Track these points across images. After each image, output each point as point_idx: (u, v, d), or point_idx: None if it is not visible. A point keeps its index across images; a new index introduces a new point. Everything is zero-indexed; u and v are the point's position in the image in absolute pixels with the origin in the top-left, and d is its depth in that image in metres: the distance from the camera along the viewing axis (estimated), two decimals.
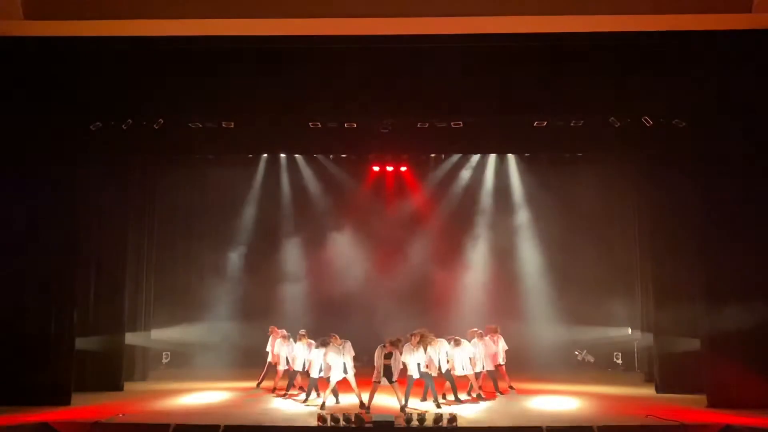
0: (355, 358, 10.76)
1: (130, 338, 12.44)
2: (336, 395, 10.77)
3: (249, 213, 14.90)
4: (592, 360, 14.49)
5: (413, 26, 9.92)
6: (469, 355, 10.98)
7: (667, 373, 11.45)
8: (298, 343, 11.31)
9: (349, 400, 10.68)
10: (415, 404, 10.43)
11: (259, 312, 13.99)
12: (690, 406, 10.30)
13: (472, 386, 11.19)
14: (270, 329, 12.10)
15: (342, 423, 9.15)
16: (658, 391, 11.52)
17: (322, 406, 10.31)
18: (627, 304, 13.68)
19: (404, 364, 10.42)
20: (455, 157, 14.79)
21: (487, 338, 11.44)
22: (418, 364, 10.45)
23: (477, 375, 11.15)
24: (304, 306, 14.39)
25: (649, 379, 12.30)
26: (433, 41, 10.11)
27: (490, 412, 10.30)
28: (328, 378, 10.50)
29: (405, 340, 10.53)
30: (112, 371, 11.87)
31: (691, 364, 10.88)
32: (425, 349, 10.57)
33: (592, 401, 10.95)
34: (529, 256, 14.66)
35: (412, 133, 11.86)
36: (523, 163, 14.75)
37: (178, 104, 10.87)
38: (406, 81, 10.50)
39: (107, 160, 12.03)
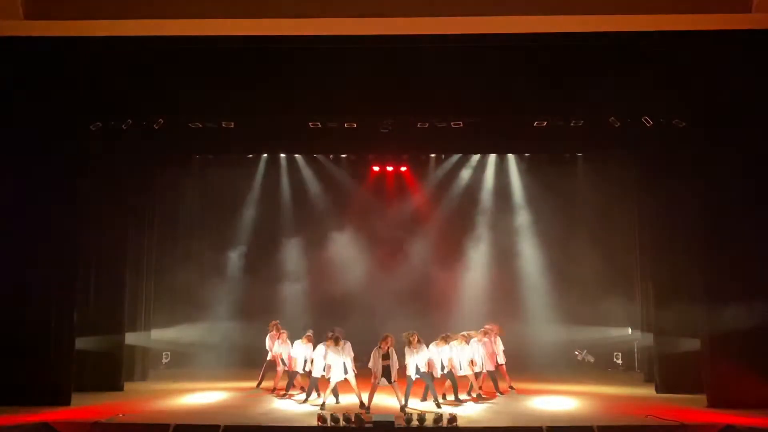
0: (355, 359, 10.76)
1: (130, 338, 12.44)
2: (336, 395, 10.77)
3: (249, 213, 14.90)
4: (592, 360, 14.49)
5: (413, 26, 9.92)
6: (468, 356, 10.98)
7: (667, 373, 11.45)
8: (298, 342, 11.31)
9: (349, 400, 10.68)
10: (415, 404, 10.44)
11: (259, 312, 13.96)
12: (690, 406, 10.30)
13: (472, 386, 11.19)
14: (270, 324, 12.08)
15: (342, 423, 9.16)
16: (658, 391, 11.52)
17: (322, 406, 10.30)
18: (627, 304, 13.67)
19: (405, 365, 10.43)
20: (455, 157, 14.81)
21: (486, 339, 11.42)
22: (417, 366, 10.45)
23: (477, 375, 11.16)
24: (304, 306, 14.39)
25: (649, 379, 12.30)
26: (433, 41, 10.11)
27: (490, 412, 10.31)
28: (329, 378, 10.50)
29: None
30: (112, 371, 11.86)
31: (691, 364, 10.89)
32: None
33: (592, 401, 10.95)
34: (529, 256, 14.65)
35: (412, 133, 11.87)
36: (523, 163, 14.76)
37: (178, 104, 10.87)
38: (406, 81, 10.49)
39: (107, 160, 12.02)
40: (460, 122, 11.48)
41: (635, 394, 11.61)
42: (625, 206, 13.62)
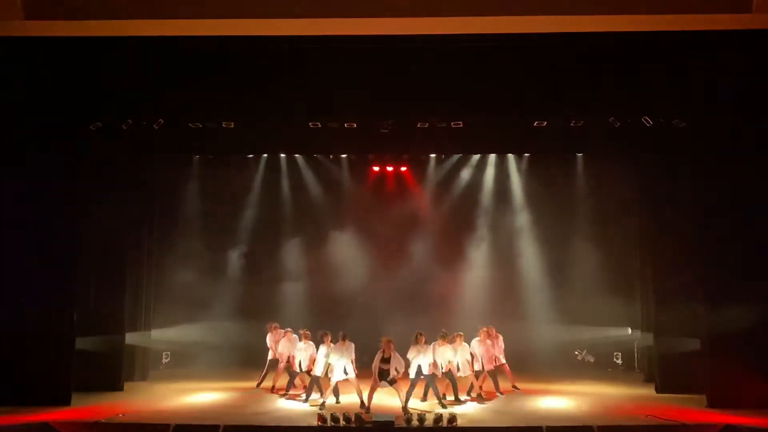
0: (355, 359, 10.75)
1: (130, 338, 12.43)
2: (336, 395, 10.77)
3: (249, 213, 14.88)
4: (592, 360, 14.49)
5: (414, 26, 9.92)
6: (466, 357, 10.99)
7: (667, 373, 11.45)
8: (301, 342, 11.32)
9: (349, 400, 10.68)
10: (416, 404, 10.44)
11: (259, 312, 13.97)
12: (690, 406, 10.31)
13: (472, 386, 11.19)
14: (269, 326, 12.08)
15: (342, 423, 9.16)
16: (658, 391, 11.52)
17: (322, 406, 10.30)
18: (627, 304, 13.66)
19: (407, 363, 10.43)
20: (455, 157, 14.79)
21: (488, 340, 11.43)
22: (419, 366, 10.45)
23: (477, 375, 11.16)
24: (304, 306, 14.38)
25: (649, 379, 12.31)
26: (433, 41, 10.11)
27: (490, 412, 10.31)
28: (330, 378, 10.50)
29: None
30: (112, 371, 11.85)
31: (691, 364, 10.89)
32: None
33: (592, 401, 10.95)
34: (529, 256, 14.65)
35: (412, 133, 11.86)
36: (523, 163, 14.75)
37: (178, 104, 10.87)
38: (406, 81, 10.49)
39: (107, 160, 12.02)
40: (460, 122, 11.47)
41: (635, 394, 11.61)
42: (625, 206, 13.61)
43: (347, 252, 14.69)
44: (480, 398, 11.01)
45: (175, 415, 9.87)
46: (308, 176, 15.00)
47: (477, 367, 11.13)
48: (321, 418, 9.35)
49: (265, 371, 12.00)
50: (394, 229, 14.78)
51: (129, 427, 9.29)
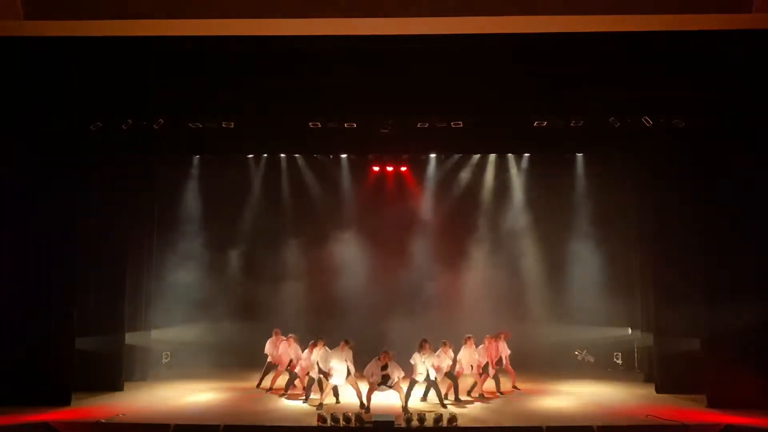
0: (355, 359, 10.75)
1: (130, 338, 12.43)
2: (336, 395, 10.76)
3: (249, 213, 14.87)
4: (592, 360, 14.48)
5: (413, 26, 9.90)
6: (470, 361, 11.02)
7: (667, 373, 11.46)
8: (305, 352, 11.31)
9: (349, 400, 10.68)
10: (416, 404, 10.43)
11: (259, 312, 13.99)
12: (690, 406, 10.32)
13: (473, 386, 11.20)
14: (274, 332, 12.10)
15: (342, 423, 9.16)
16: (658, 391, 11.53)
17: (319, 406, 10.30)
18: (627, 304, 13.68)
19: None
20: (455, 157, 14.79)
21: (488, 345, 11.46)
22: (427, 371, 10.44)
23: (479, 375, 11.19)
24: (303, 306, 14.37)
25: (649, 379, 12.31)
26: (433, 41, 10.09)
27: (491, 412, 10.31)
28: (329, 380, 10.50)
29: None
30: (112, 371, 11.86)
31: (691, 364, 10.90)
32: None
33: (592, 401, 10.95)
34: (529, 255, 14.65)
35: (412, 133, 11.84)
36: (523, 163, 14.75)
37: (178, 104, 10.86)
38: (406, 81, 10.48)
39: (107, 160, 12.02)
40: (460, 122, 11.46)
41: (635, 394, 11.62)
42: (625, 206, 13.62)
43: (347, 252, 14.67)
44: (480, 398, 11.01)
45: (175, 415, 9.88)
46: (308, 176, 14.99)
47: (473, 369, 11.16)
48: (321, 418, 9.35)
49: (264, 371, 12.00)
50: (394, 229, 14.76)
51: (129, 427, 9.29)
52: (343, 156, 14.73)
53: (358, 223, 14.84)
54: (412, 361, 10.57)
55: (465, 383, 11.31)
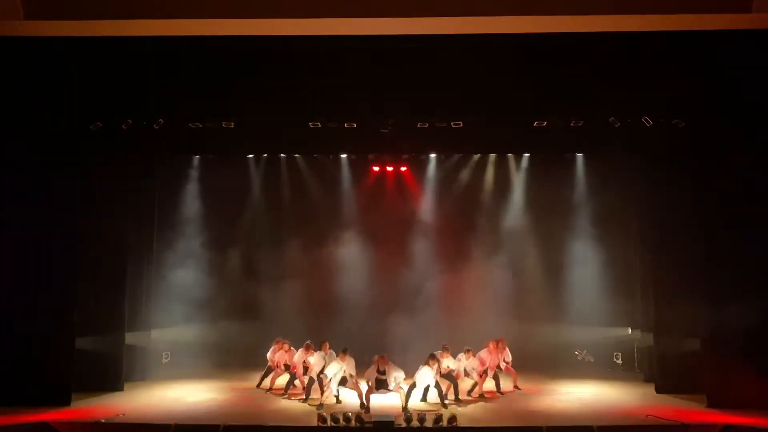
0: (355, 360, 10.75)
1: (130, 338, 12.42)
2: (337, 395, 10.76)
3: (249, 213, 14.88)
4: (592, 360, 14.46)
5: (413, 26, 9.91)
6: (473, 366, 11.05)
7: (667, 373, 11.46)
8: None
9: (349, 400, 10.68)
10: (416, 404, 10.43)
11: (259, 312, 13.99)
12: (690, 406, 10.32)
13: (473, 387, 11.20)
14: (276, 341, 12.09)
15: (342, 423, 9.15)
16: (658, 391, 11.52)
17: (320, 407, 10.30)
18: (627, 304, 13.66)
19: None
20: (455, 157, 14.79)
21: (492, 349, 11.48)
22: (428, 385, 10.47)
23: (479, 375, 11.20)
24: (303, 306, 14.34)
25: (649, 379, 12.30)
26: (433, 41, 10.10)
27: (491, 412, 10.31)
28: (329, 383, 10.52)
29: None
30: (112, 371, 11.84)
31: (691, 364, 10.90)
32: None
33: (592, 401, 10.95)
34: (529, 255, 14.65)
35: (412, 133, 11.85)
36: (523, 163, 14.75)
37: (178, 104, 10.87)
38: (406, 81, 10.48)
39: (107, 160, 12.01)
40: (460, 122, 11.46)
41: (635, 394, 11.61)
42: (625, 206, 13.61)
43: (347, 252, 14.66)
44: (480, 398, 11.01)
45: (175, 415, 9.87)
46: (308, 176, 14.99)
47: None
48: (321, 418, 9.34)
49: (265, 371, 11.99)
50: (393, 229, 14.76)
51: (129, 427, 9.29)
52: (343, 156, 14.73)
53: (358, 223, 14.83)
54: (418, 377, 10.42)
55: (465, 383, 11.32)
